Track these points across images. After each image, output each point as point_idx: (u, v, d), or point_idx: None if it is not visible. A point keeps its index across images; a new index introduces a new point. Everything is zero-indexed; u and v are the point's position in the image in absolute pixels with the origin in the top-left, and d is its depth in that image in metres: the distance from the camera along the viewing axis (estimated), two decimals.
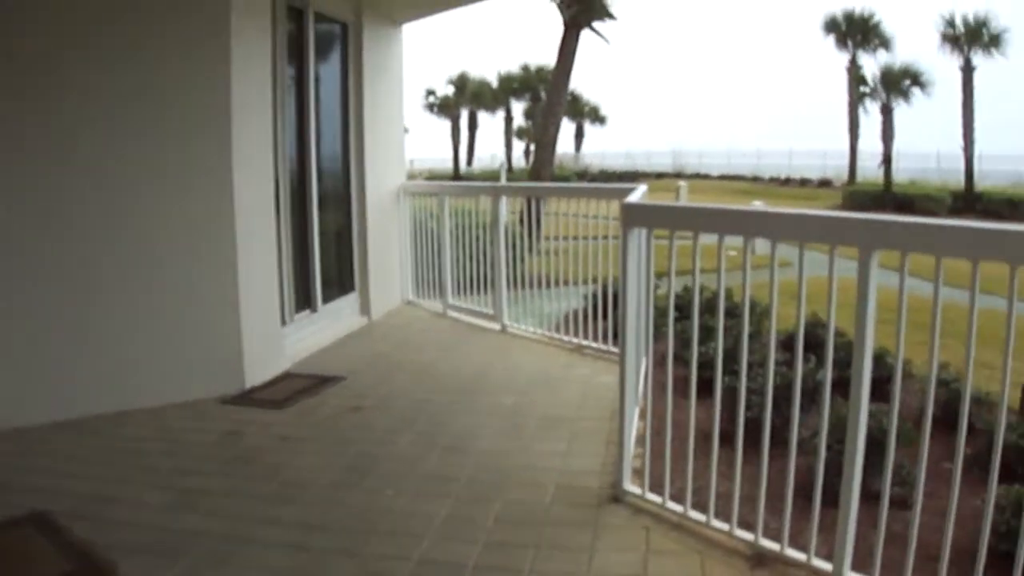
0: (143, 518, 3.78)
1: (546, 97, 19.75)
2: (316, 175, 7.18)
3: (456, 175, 46.48)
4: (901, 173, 37.88)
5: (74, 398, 5.12)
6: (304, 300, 7.05)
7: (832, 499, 3.05)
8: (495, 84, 50.61)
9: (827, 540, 3.15)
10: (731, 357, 3.69)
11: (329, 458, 4.54)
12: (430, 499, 3.95)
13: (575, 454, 4.48)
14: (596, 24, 17.86)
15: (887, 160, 34.69)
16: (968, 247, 2.65)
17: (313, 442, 4.80)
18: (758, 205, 19.50)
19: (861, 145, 39.05)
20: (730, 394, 3.66)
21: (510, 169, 45.02)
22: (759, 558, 3.32)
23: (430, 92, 52.46)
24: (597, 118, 53.81)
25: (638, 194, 5.49)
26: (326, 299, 7.38)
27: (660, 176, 46.43)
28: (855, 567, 3.04)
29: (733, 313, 5.82)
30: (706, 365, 3.79)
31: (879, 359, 3.61)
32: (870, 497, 3.05)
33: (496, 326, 7.60)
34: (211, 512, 3.85)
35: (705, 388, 3.64)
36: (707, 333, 4.22)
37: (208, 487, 4.15)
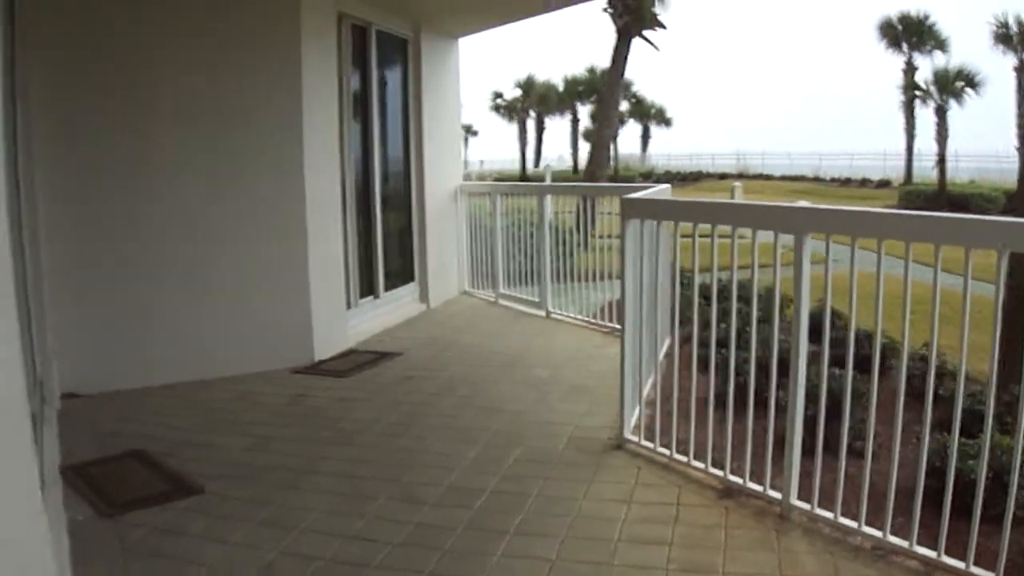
0: (224, 456, 4.60)
1: (600, 102, 20.45)
2: (379, 176, 8.00)
3: (523, 176, 47.14)
4: (961, 173, 37.57)
5: (165, 367, 5.99)
6: (368, 287, 7.88)
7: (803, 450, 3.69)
8: (561, 87, 51.09)
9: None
10: (738, 336, 4.31)
11: (381, 415, 5.31)
12: (463, 445, 4.69)
13: (592, 414, 5.16)
14: (647, 33, 18.52)
15: (941, 160, 34.50)
16: (874, 230, 3.28)
17: (368, 403, 5.57)
18: (802, 204, 19.85)
19: (923, 146, 38.78)
20: (725, 367, 4.27)
21: (575, 170, 45.54)
22: (726, 490, 3.98)
23: (497, 95, 53.20)
24: (663, 120, 53.92)
25: (660, 192, 6.18)
26: (388, 287, 8.18)
27: (723, 176, 46.57)
28: (800, 497, 3.68)
29: (743, 299, 6.37)
30: (714, 344, 4.42)
31: (867, 340, 4.06)
32: (832, 448, 3.60)
33: (541, 312, 8.31)
34: (280, 452, 4.65)
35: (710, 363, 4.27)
36: (721, 316, 4.85)
37: (278, 435, 4.96)
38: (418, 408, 5.44)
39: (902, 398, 3.24)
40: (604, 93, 20.11)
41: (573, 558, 3.36)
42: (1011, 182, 33.55)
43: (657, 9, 19.42)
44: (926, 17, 38.26)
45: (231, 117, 6.09)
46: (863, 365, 3.55)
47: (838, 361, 3.69)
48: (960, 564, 3.06)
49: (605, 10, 18.41)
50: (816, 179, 47.50)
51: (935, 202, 30.82)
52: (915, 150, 39.03)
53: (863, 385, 3.88)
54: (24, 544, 1.28)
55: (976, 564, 3.02)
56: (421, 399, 5.63)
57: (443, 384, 5.97)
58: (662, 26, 19.32)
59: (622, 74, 17.82)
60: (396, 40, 8.43)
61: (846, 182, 44.99)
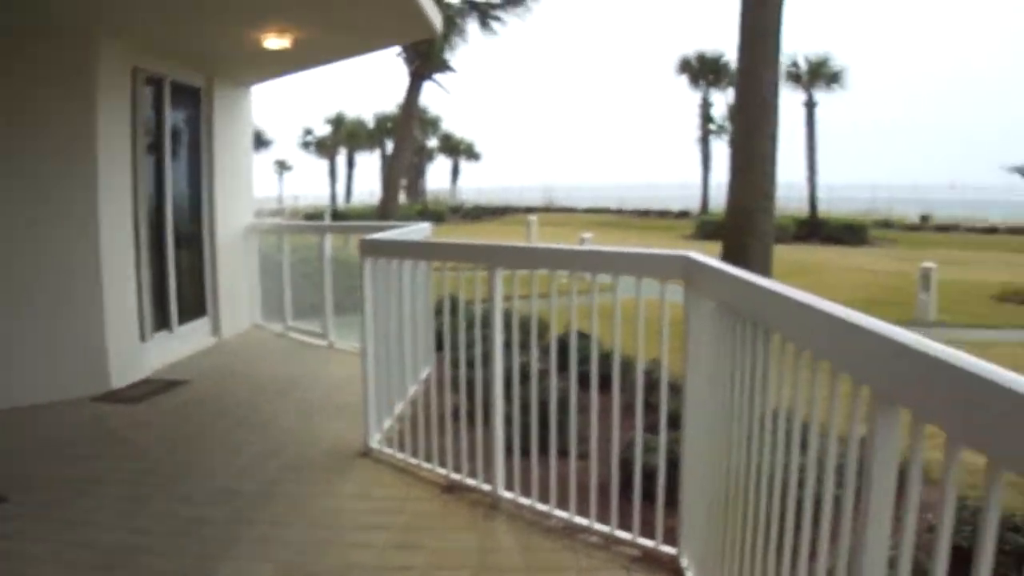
0: (25, 470, 5.32)
1: (393, 143, 21.71)
2: (172, 217, 8.72)
3: (333, 213, 47.82)
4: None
5: None
6: (162, 321, 8.57)
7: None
8: (372, 124, 52.05)
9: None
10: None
11: (167, 434, 6.15)
12: (233, 455, 5.63)
13: (350, 429, 6.12)
14: (438, 76, 19.95)
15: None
16: (540, 263, 4.48)
17: (158, 425, 6.38)
18: (587, 237, 21.39)
19: (721, 178, 42.27)
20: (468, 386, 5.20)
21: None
22: (449, 486, 5.06)
23: (308, 131, 53.72)
24: (472, 155, 56.09)
25: (421, 231, 7.31)
26: (181, 321, 8.90)
27: (529, 210, 48.80)
28: (507, 488, 4.75)
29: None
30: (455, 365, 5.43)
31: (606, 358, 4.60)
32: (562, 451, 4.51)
33: (325, 343, 9.26)
34: (77, 466, 5.42)
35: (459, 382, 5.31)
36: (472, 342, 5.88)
37: (76, 453, 5.71)
38: (200, 428, 6.30)
39: (573, 403, 4.39)
40: (396, 133, 21.41)
41: (309, 539, 4.37)
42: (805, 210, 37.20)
43: (448, 54, 20.93)
44: (720, 56, 42.02)
45: (26, 163, 6.76)
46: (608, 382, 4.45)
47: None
48: (628, 535, 4.12)
49: (398, 55, 19.74)
50: (619, 211, 50.62)
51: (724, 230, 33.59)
52: (712, 182, 42.45)
53: (583, 398, 4.64)
54: None
55: (642, 535, 4.07)
56: (204, 420, 6.50)
57: (224, 407, 6.86)
58: (451, 70, 20.85)
59: (414, 115, 19.09)
60: (190, 89, 9.20)
61: (645, 213, 48.25)
